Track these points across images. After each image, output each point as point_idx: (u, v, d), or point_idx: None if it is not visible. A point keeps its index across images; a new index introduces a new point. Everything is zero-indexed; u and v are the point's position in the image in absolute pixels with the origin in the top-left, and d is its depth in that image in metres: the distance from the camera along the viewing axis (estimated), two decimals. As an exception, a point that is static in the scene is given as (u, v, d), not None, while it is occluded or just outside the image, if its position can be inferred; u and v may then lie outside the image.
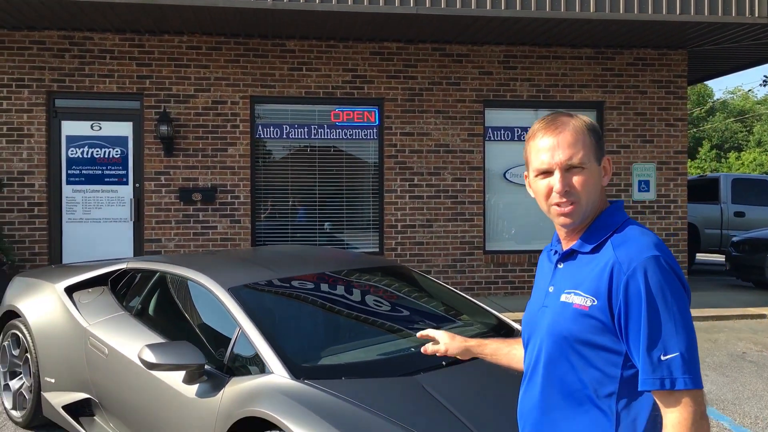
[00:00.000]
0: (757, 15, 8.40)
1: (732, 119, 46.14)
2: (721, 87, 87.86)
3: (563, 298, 1.68)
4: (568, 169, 1.67)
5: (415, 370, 3.31)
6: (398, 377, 3.25)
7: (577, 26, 8.69)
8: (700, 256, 15.08)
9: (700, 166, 43.24)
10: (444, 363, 3.46)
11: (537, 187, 1.73)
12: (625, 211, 1.79)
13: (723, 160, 43.78)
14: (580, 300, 1.63)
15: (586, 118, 1.75)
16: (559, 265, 1.77)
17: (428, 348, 2.23)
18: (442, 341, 2.22)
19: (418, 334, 2.32)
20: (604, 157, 1.74)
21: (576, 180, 1.67)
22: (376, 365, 3.46)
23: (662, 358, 1.52)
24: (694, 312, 8.68)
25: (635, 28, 8.84)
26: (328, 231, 9.64)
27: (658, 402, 1.57)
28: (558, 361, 1.67)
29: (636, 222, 1.72)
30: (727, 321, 8.54)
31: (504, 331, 4.13)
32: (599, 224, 1.71)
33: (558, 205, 1.69)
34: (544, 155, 1.69)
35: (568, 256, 1.75)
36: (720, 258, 13.54)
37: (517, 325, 4.22)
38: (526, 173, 1.80)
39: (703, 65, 11.48)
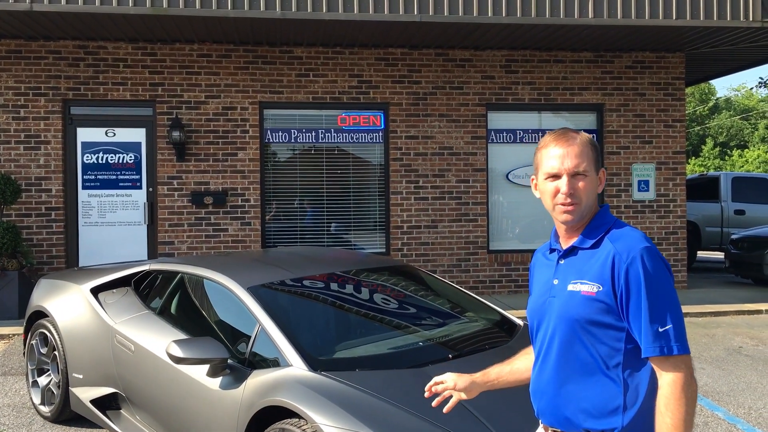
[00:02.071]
0: (751, 19, 8.62)
1: (737, 117, 46.22)
2: (725, 84, 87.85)
3: (570, 287, 1.97)
4: (573, 175, 1.99)
5: (423, 362, 3.56)
6: (408, 369, 3.50)
7: (577, 31, 8.93)
8: (701, 254, 15.28)
9: (703, 164, 43.32)
10: (450, 356, 3.71)
11: (545, 187, 2.04)
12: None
13: (727, 157, 43.87)
14: (587, 287, 1.94)
15: (588, 135, 2.09)
16: (560, 261, 2.06)
17: (438, 388, 2.40)
18: (450, 380, 2.41)
19: (431, 383, 2.43)
20: (601, 169, 2.07)
21: (580, 185, 1.99)
22: (388, 358, 3.71)
23: (660, 330, 1.85)
24: (694, 308, 8.92)
25: (633, 33, 9.08)
26: (334, 232, 9.90)
27: (655, 367, 1.89)
28: (571, 341, 1.96)
29: (622, 221, 2.06)
30: (724, 317, 8.76)
31: (507, 326, 4.36)
32: (595, 224, 2.03)
33: (562, 204, 2.00)
34: (554, 161, 2.00)
35: (570, 252, 2.04)
36: (721, 256, 13.74)
37: (519, 321, 4.47)
38: (533, 177, 2.12)
39: (701, 67, 11.71)
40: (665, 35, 9.24)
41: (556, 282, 2.04)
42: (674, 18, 8.55)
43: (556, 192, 1.99)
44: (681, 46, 9.94)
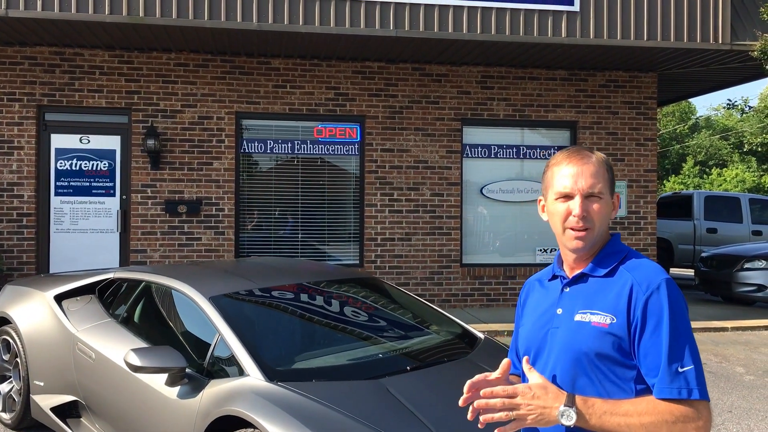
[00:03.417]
0: (720, 41, 8.82)
1: (717, 136, 46.84)
2: (705, 103, 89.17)
3: (578, 317, 1.78)
4: (587, 197, 1.81)
5: (381, 374, 3.60)
6: (365, 380, 3.53)
7: (550, 50, 9.06)
8: (674, 271, 15.46)
9: (683, 181, 43.85)
10: (408, 368, 3.75)
11: (555, 209, 1.85)
12: None
13: (705, 176, 44.42)
14: (598, 318, 1.75)
15: (603, 155, 1.90)
16: (565, 289, 1.87)
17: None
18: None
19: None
20: (615, 192, 1.90)
21: (594, 207, 1.81)
22: (345, 369, 3.74)
23: (680, 369, 1.66)
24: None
25: (605, 52, 9.24)
26: (308, 243, 9.92)
27: None
28: (576, 376, 1.77)
29: (636, 251, 1.90)
30: (691, 333, 8.87)
31: (468, 339, 4.41)
32: (608, 252, 1.85)
33: (573, 228, 1.82)
34: (567, 180, 1.82)
35: (578, 279, 1.86)
36: (693, 273, 13.93)
37: (480, 334, 4.52)
38: (540, 198, 1.94)
39: (674, 87, 11.91)
40: (637, 56, 9.41)
41: (559, 311, 1.85)
42: (645, 39, 8.72)
43: (568, 214, 1.81)
44: (653, 66, 10.12)
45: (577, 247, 1.82)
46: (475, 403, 1.72)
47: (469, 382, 1.77)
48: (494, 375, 1.81)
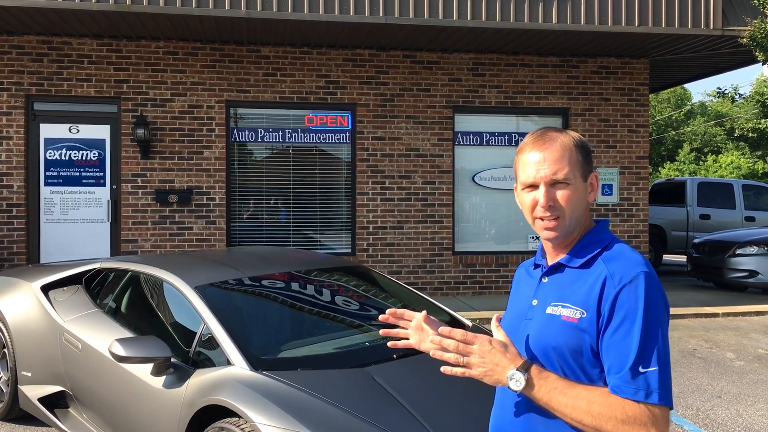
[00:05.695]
0: (712, 27, 8.79)
1: (712, 123, 46.81)
2: (700, 89, 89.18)
3: (549, 310, 1.70)
4: (552, 184, 1.71)
5: (366, 362, 3.59)
6: (350, 369, 3.53)
7: (541, 36, 9.03)
8: (667, 257, 15.49)
9: (679, 168, 43.87)
10: (395, 356, 3.75)
11: (523, 199, 1.78)
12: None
13: (701, 162, 44.42)
14: (568, 312, 1.66)
15: (575, 134, 1.79)
16: (543, 279, 1.79)
17: (398, 343, 1.97)
18: (413, 338, 1.91)
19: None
20: (591, 173, 1.78)
21: (560, 195, 1.71)
22: (331, 358, 3.74)
23: (641, 369, 1.56)
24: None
25: (596, 38, 9.20)
26: (300, 232, 9.90)
27: None
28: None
29: (621, 240, 1.78)
30: (682, 320, 8.91)
31: (456, 327, 4.40)
32: (588, 241, 1.76)
33: (542, 218, 1.74)
34: (530, 169, 1.73)
35: (555, 269, 1.78)
36: (685, 259, 13.98)
37: (468, 322, 4.52)
38: (515, 185, 1.85)
39: (667, 73, 11.88)
40: (628, 41, 9.37)
41: (535, 302, 1.77)
42: (636, 25, 8.68)
43: (535, 204, 1.73)
44: (645, 52, 10.09)
45: (550, 237, 1.75)
46: (433, 337, 1.69)
47: (393, 310, 1.89)
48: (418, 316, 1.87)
